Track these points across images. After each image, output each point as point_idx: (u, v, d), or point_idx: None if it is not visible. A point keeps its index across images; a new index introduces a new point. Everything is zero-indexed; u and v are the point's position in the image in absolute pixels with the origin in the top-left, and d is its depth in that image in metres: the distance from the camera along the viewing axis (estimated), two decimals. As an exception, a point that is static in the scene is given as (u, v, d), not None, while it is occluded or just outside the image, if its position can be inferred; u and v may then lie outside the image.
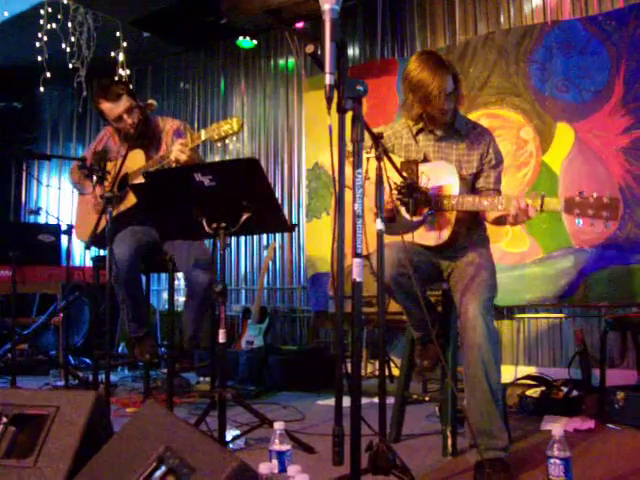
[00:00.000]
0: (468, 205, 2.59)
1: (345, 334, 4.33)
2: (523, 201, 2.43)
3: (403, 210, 2.64)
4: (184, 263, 3.52)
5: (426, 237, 2.70)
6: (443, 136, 2.81)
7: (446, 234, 2.66)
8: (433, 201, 2.64)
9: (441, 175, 2.68)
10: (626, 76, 4.35)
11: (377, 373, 2.45)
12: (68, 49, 5.83)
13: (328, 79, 1.68)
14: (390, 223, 2.63)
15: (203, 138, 3.17)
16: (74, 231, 4.06)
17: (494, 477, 2.28)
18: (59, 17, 5.62)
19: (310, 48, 1.72)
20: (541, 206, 2.42)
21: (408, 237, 2.57)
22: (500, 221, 2.68)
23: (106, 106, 3.63)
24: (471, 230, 2.77)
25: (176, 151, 3.24)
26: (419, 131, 2.83)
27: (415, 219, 2.64)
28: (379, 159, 2.17)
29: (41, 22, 5.62)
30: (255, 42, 6.28)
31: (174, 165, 3.29)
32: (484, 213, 2.71)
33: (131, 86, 3.80)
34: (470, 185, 2.78)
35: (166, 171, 3.19)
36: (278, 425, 2.15)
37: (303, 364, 4.66)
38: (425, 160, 2.78)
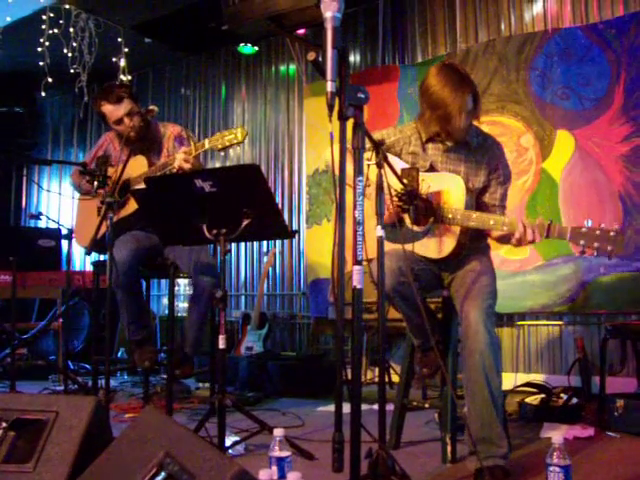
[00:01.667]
0: (473, 222, 2.57)
1: (345, 341, 4.32)
2: (529, 226, 2.43)
3: (407, 219, 2.63)
4: (187, 266, 3.51)
5: (428, 248, 2.68)
6: (452, 147, 2.76)
7: (449, 247, 2.64)
8: (437, 213, 2.63)
9: (446, 185, 2.66)
10: (626, 84, 4.36)
11: (377, 380, 2.45)
12: (70, 54, 5.84)
13: (329, 86, 1.68)
14: (392, 229, 2.63)
15: (207, 147, 3.18)
16: (74, 236, 4.05)
17: (494, 484, 2.28)
18: (61, 22, 5.64)
19: (312, 55, 1.73)
20: (547, 233, 2.42)
21: (409, 246, 2.57)
22: (503, 240, 2.67)
23: (107, 108, 3.63)
24: (473, 240, 2.76)
25: (180, 160, 3.24)
26: (429, 139, 2.79)
27: (419, 229, 2.64)
28: (379, 166, 2.17)
29: (43, 27, 5.63)
30: (256, 48, 6.30)
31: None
32: (488, 230, 2.71)
33: (134, 89, 3.80)
34: (475, 199, 2.77)
35: (167, 177, 3.19)
36: (278, 431, 2.15)
37: (303, 370, 4.66)
38: (432, 169, 2.76)
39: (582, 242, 2.35)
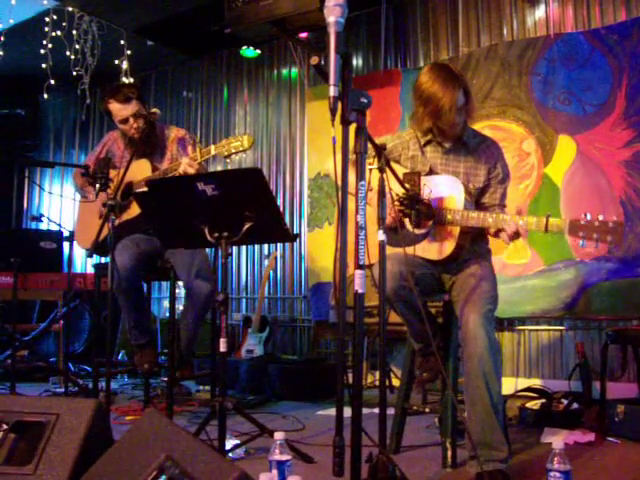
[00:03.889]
0: (472, 221, 2.59)
1: (346, 344, 4.32)
2: (522, 224, 2.45)
3: (407, 222, 2.64)
4: (185, 272, 3.51)
5: (428, 250, 2.69)
6: (451, 148, 2.80)
7: (449, 248, 2.65)
8: (437, 214, 2.64)
9: (446, 188, 2.67)
10: (628, 89, 4.37)
11: (377, 384, 2.45)
12: (72, 57, 5.85)
13: (332, 91, 1.68)
14: (393, 232, 2.63)
15: (213, 153, 3.18)
16: (75, 238, 4.06)
17: (494, 489, 2.28)
18: (64, 25, 5.64)
19: (315, 60, 1.74)
20: (546, 227, 2.42)
21: (410, 249, 2.57)
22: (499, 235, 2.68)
23: (115, 107, 3.65)
24: (473, 243, 2.77)
25: (185, 165, 3.24)
26: (427, 142, 2.82)
27: (419, 232, 2.64)
28: (382, 170, 2.17)
29: (46, 30, 5.64)
30: (259, 51, 6.29)
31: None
32: (487, 228, 2.71)
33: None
34: (475, 199, 2.79)
35: (169, 180, 3.19)
36: (278, 435, 2.15)
37: (303, 374, 4.65)
38: (432, 172, 2.78)
39: (581, 234, 2.36)
